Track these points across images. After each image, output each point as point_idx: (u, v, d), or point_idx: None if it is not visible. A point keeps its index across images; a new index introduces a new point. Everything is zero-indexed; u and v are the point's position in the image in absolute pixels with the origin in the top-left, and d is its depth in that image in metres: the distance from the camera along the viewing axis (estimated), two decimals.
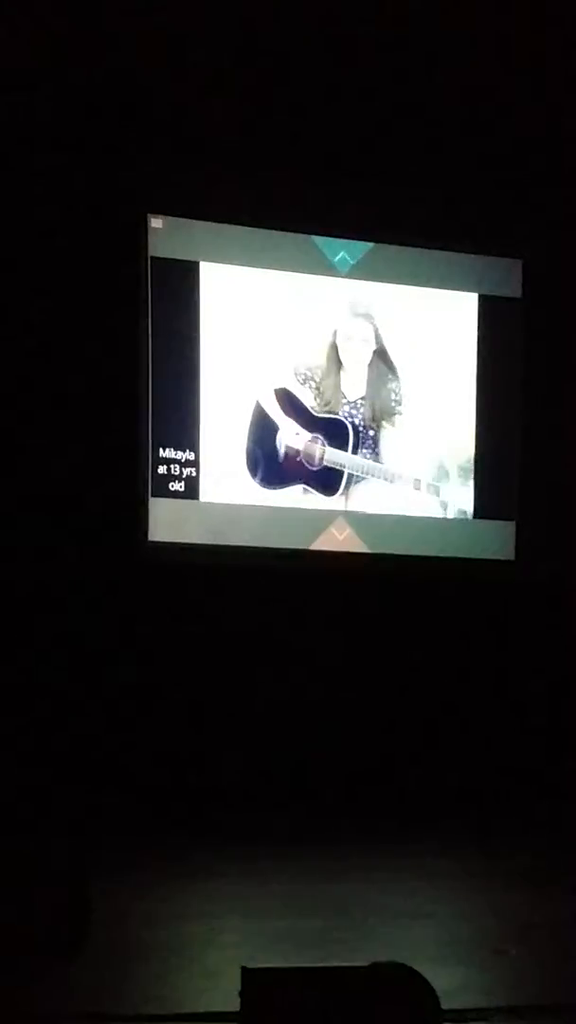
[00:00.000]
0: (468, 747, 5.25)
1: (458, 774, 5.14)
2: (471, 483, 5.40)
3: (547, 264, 5.45)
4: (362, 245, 5.26)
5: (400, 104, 5.09)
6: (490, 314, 5.44)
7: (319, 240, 5.21)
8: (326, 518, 5.20)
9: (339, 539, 5.21)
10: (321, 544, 5.19)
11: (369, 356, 5.28)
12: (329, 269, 5.22)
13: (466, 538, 5.41)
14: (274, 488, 5.12)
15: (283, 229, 5.15)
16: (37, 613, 4.70)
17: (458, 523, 5.41)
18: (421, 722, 5.22)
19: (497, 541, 5.43)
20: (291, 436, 5.12)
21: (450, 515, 5.40)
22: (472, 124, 5.21)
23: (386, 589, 5.23)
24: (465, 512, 5.41)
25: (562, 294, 5.48)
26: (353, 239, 5.24)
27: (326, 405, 5.20)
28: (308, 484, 5.17)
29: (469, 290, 5.42)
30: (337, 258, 5.23)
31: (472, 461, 5.41)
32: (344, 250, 5.23)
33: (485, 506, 5.43)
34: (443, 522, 5.39)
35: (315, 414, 5.18)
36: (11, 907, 2.90)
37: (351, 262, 5.25)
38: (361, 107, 5.06)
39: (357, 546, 5.23)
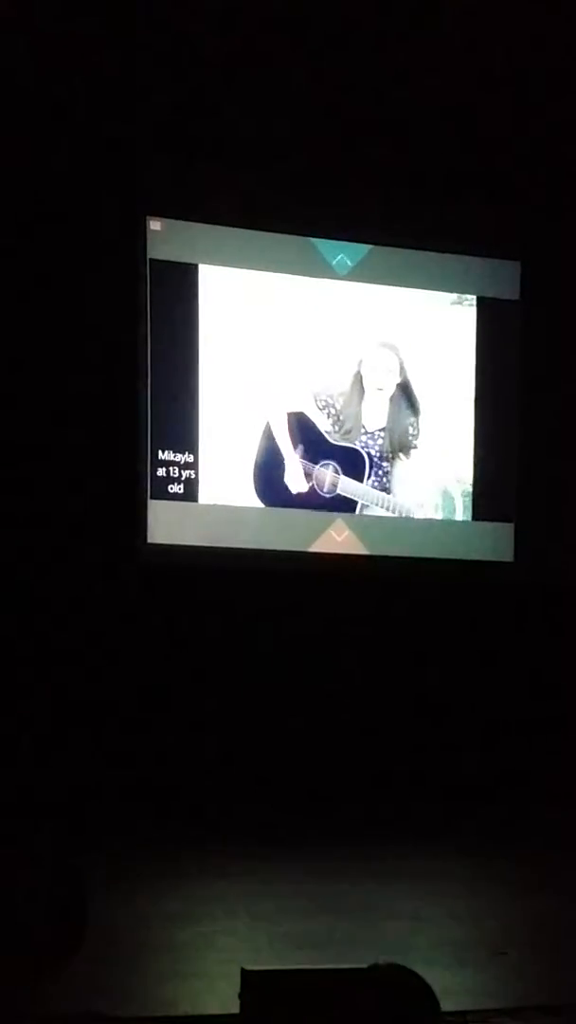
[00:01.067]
0: (467, 748, 5.25)
1: (457, 775, 5.14)
2: (471, 510, 5.40)
3: (546, 266, 5.45)
4: (361, 247, 5.26)
5: (400, 105, 5.09)
6: (489, 316, 5.44)
7: (318, 242, 5.21)
8: (325, 520, 5.20)
9: (338, 541, 5.21)
10: (320, 546, 5.19)
11: (393, 388, 5.27)
12: (328, 271, 5.22)
13: (465, 540, 5.41)
14: (282, 509, 5.13)
15: (282, 231, 5.15)
16: (36, 614, 4.70)
17: (457, 525, 5.41)
18: (420, 723, 5.22)
19: (496, 543, 5.43)
20: (299, 475, 5.09)
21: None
22: (471, 125, 5.21)
23: (385, 591, 5.22)
24: (464, 514, 5.41)
25: (561, 296, 5.48)
26: (352, 241, 5.24)
27: (346, 434, 5.18)
28: (318, 512, 5.17)
29: (468, 292, 5.42)
30: (336, 260, 5.23)
31: (474, 477, 5.40)
32: (343, 252, 5.23)
33: (484, 508, 5.43)
34: (442, 524, 5.39)
35: (331, 441, 5.17)
36: (8, 908, 2.90)
37: (350, 264, 5.25)
38: (361, 108, 5.06)
39: (356, 548, 5.23)
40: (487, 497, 5.43)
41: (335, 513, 5.20)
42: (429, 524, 5.36)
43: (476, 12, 4.90)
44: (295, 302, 5.16)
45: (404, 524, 5.31)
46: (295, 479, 5.10)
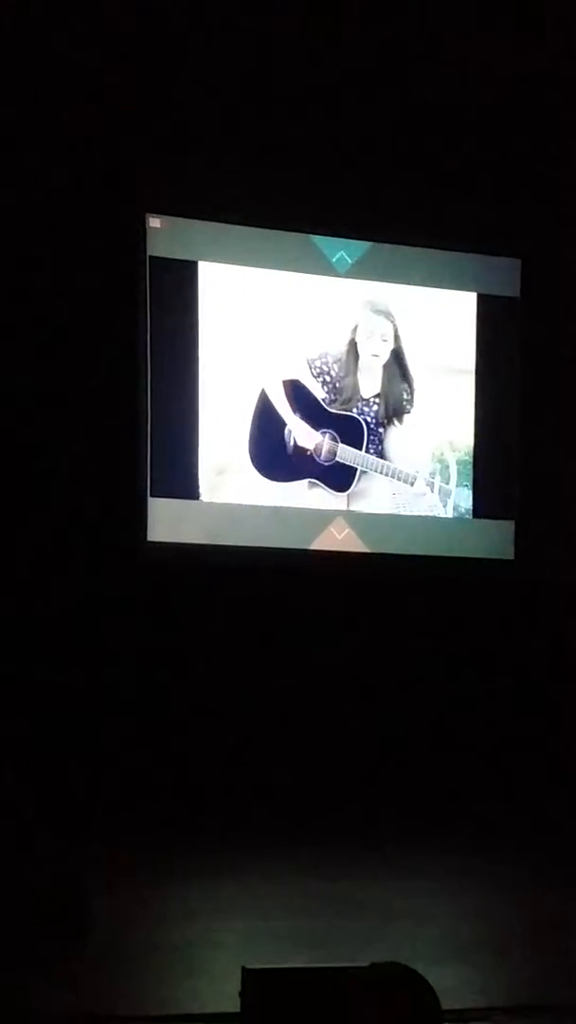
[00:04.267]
0: (468, 747, 5.24)
1: (458, 774, 5.14)
2: (471, 482, 5.40)
3: (546, 263, 5.45)
4: (361, 244, 5.25)
5: (399, 103, 5.08)
6: (489, 313, 5.43)
7: (318, 240, 5.20)
8: (325, 518, 5.20)
9: (338, 539, 5.20)
10: (320, 544, 5.18)
11: (387, 355, 5.27)
12: (328, 269, 5.21)
13: (465, 537, 5.41)
14: (280, 482, 5.11)
15: (282, 228, 5.14)
16: (35, 613, 4.70)
17: (457, 522, 5.40)
18: (421, 722, 5.22)
19: (497, 540, 5.43)
20: (302, 434, 5.11)
21: (449, 514, 5.40)
22: (471, 123, 5.20)
23: (385, 588, 5.22)
24: (464, 511, 5.41)
25: (561, 293, 5.47)
26: (352, 238, 5.24)
27: (345, 403, 5.19)
28: (316, 479, 5.17)
29: (468, 289, 5.41)
30: (336, 258, 5.22)
31: (472, 460, 5.41)
32: (343, 250, 5.23)
33: (484, 505, 5.43)
34: (442, 521, 5.38)
35: (328, 409, 5.17)
36: (10, 907, 2.89)
37: (350, 262, 5.24)
38: (360, 106, 5.06)
39: (356, 545, 5.23)
40: (488, 494, 5.42)
41: (335, 510, 5.19)
42: (429, 521, 5.35)
43: (476, 11, 4.90)
44: (296, 300, 5.15)
45: (404, 522, 5.31)
46: (304, 437, 5.09)
